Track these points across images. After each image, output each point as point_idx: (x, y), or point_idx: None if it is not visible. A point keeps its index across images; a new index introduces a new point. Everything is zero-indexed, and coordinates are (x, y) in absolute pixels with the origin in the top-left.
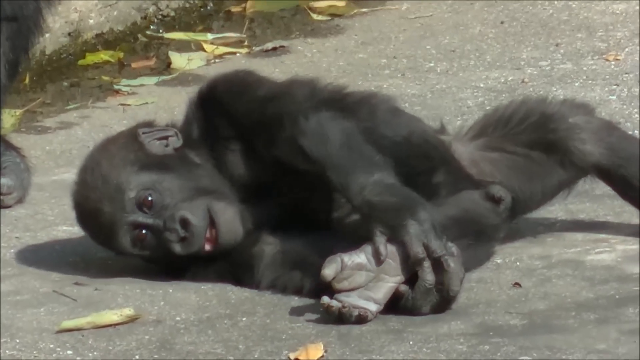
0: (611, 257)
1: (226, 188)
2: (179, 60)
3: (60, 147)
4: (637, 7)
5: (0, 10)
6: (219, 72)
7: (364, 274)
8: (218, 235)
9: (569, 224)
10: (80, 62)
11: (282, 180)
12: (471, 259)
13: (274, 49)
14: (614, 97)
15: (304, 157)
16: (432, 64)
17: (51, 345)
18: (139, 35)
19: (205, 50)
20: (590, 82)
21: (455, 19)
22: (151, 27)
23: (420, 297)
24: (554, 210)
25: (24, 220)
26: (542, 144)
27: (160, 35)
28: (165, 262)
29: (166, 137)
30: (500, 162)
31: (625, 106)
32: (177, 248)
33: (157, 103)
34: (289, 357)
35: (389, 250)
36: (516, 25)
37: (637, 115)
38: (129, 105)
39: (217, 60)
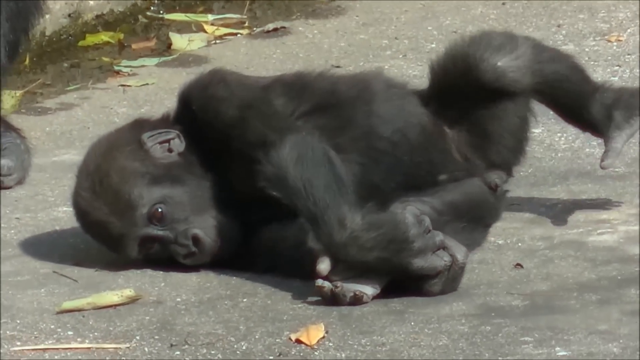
0: (613, 238)
1: (225, 195)
2: (179, 41)
3: (60, 128)
4: None
5: None
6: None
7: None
8: (223, 250)
9: (571, 205)
10: (81, 43)
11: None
12: (467, 241)
13: (275, 30)
14: (616, 79)
15: (275, 187)
16: (433, 45)
17: (52, 326)
18: (140, 16)
19: (205, 32)
20: (592, 63)
21: (457, 0)
22: (152, 8)
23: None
24: (556, 191)
25: (24, 201)
26: (483, 91)
27: (160, 16)
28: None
29: (169, 140)
30: (467, 138)
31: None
32: (183, 260)
33: (157, 84)
34: (289, 338)
35: None
36: (518, 6)
37: None
38: (129, 86)
39: (217, 41)
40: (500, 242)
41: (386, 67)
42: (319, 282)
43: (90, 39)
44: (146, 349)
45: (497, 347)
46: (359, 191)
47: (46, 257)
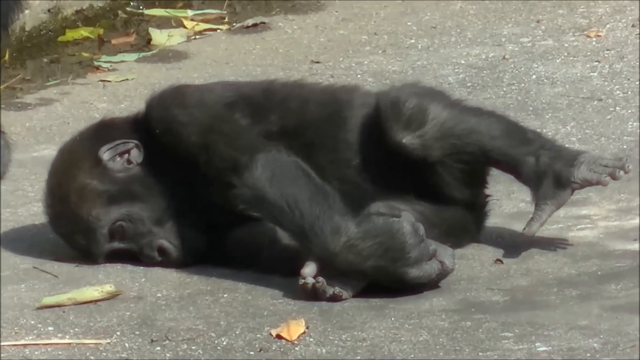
0: (593, 233)
1: (188, 199)
2: (159, 36)
3: (40, 124)
4: None
5: None
6: (155, 93)
7: None
8: (189, 257)
9: None
10: (60, 38)
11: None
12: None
13: (255, 25)
14: (595, 74)
15: (255, 208)
16: (413, 41)
17: (32, 322)
18: (119, 12)
19: (185, 27)
20: (571, 58)
21: None
22: (131, 3)
23: None
24: None
25: (4, 197)
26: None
27: (140, 11)
28: None
29: (128, 151)
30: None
31: (606, 83)
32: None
33: (137, 79)
34: (270, 334)
35: None
36: (497, 2)
37: (618, 92)
38: (109, 81)
39: (197, 37)
40: (480, 237)
41: (365, 62)
42: (301, 278)
43: (70, 35)
44: (127, 345)
45: (477, 343)
46: None
47: (26, 252)
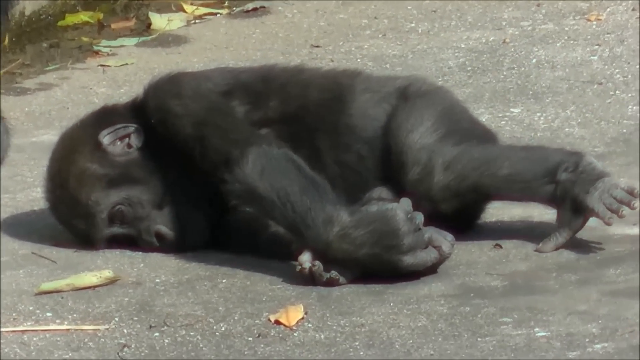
0: (592, 218)
1: (186, 184)
2: (158, 21)
3: (39, 109)
4: None
5: None
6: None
7: None
8: (189, 242)
9: None
10: (60, 23)
11: None
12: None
13: (255, 9)
14: (596, 58)
15: (248, 200)
16: (413, 25)
17: (30, 307)
18: None
19: (185, 11)
20: (571, 42)
21: None
22: None
23: None
24: None
25: (3, 182)
26: None
27: None
28: None
29: (128, 135)
30: None
31: (607, 66)
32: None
33: (136, 64)
34: (269, 319)
35: None
36: None
37: (619, 76)
38: (108, 66)
39: (197, 21)
40: (479, 222)
41: (365, 46)
42: (299, 261)
43: (70, 19)
44: (125, 330)
45: (476, 328)
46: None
47: (25, 238)
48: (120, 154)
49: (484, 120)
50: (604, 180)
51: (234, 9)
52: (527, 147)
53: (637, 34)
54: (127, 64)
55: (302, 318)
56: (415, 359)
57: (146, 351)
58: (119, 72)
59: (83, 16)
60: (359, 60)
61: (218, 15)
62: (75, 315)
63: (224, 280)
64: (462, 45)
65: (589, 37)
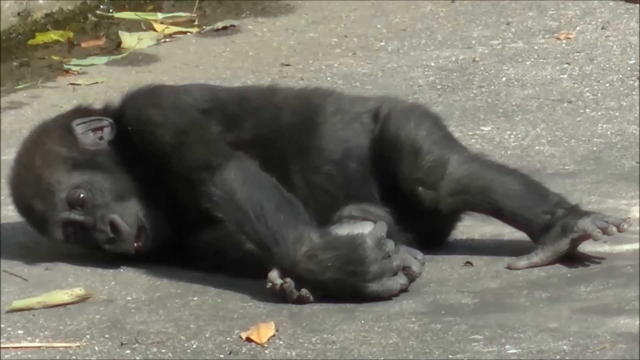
0: None
1: (153, 189)
2: (129, 39)
3: (10, 127)
4: None
5: None
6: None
7: None
8: (145, 240)
9: None
10: (30, 41)
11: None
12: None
13: (225, 28)
14: (565, 76)
15: (220, 212)
16: (383, 43)
17: (2, 325)
18: (89, 15)
19: (155, 30)
20: (541, 60)
21: None
22: (101, 6)
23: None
24: None
25: None
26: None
27: (110, 14)
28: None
29: (101, 128)
30: None
31: (576, 85)
32: (107, 246)
33: (107, 82)
34: (240, 336)
35: None
36: (467, 4)
37: (588, 94)
38: (79, 84)
39: (167, 40)
40: (450, 240)
41: (335, 65)
42: (271, 277)
43: (40, 38)
44: (96, 348)
45: (447, 345)
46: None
47: None
48: (91, 143)
49: None
50: (598, 213)
51: (204, 27)
52: (529, 182)
53: (607, 52)
54: (97, 82)
55: (274, 335)
56: None
57: None
58: (90, 90)
59: (53, 35)
60: (329, 78)
61: (188, 34)
62: (46, 332)
63: (195, 298)
64: (432, 64)
65: (558, 55)
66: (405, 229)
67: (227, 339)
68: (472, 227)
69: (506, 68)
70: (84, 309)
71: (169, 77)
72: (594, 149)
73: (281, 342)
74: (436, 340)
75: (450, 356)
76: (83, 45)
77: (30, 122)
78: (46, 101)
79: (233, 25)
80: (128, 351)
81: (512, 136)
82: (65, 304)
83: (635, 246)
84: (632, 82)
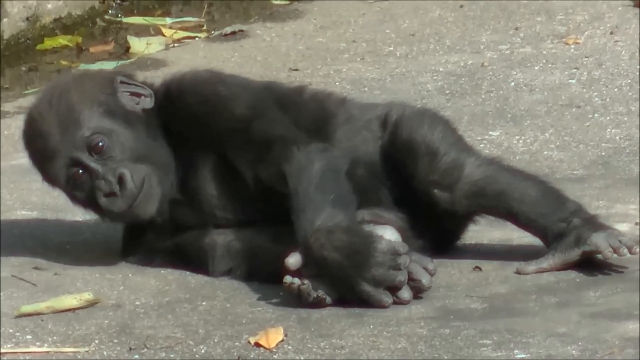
0: None
1: (170, 167)
2: (137, 44)
3: (18, 132)
4: None
5: None
6: (186, 71)
7: None
8: (135, 205)
9: None
10: (39, 46)
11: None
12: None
13: (233, 33)
14: (574, 81)
15: (283, 181)
16: (391, 48)
17: (10, 330)
18: (98, 20)
19: (164, 35)
20: (550, 65)
21: (415, 3)
22: (109, 11)
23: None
24: None
25: None
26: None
27: (118, 19)
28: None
29: (140, 95)
30: None
31: (585, 90)
32: (102, 200)
33: None
34: (248, 341)
35: None
36: (475, 9)
37: (597, 99)
38: None
39: (175, 45)
40: (459, 245)
41: (344, 70)
42: (288, 279)
43: (49, 43)
44: (105, 353)
45: (456, 350)
46: None
47: (5, 261)
48: (126, 103)
49: None
50: (613, 229)
51: (213, 32)
52: (547, 188)
53: (615, 57)
54: None
55: (282, 340)
56: None
57: None
58: None
59: (62, 40)
60: (337, 83)
61: (196, 39)
62: (55, 337)
63: (203, 303)
64: (441, 69)
65: (567, 60)
66: (416, 234)
67: (236, 343)
68: (481, 232)
69: (515, 73)
70: (93, 313)
71: None
72: (603, 153)
73: (290, 347)
74: (445, 345)
75: None
76: (91, 50)
77: None
78: None
79: (241, 30)
80: (137, 356)
81: (521, 141)
82: (74, 309)
83: None
84: None
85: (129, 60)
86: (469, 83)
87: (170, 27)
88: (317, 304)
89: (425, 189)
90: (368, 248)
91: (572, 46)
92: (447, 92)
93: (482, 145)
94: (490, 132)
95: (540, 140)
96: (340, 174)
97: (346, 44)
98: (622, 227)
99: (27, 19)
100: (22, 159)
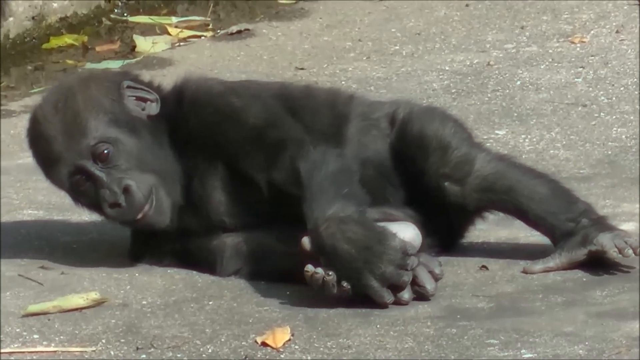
0: None
1: (176, 175)
2: (143, 43)
3: (24, 131)
4: None
5: None
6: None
7: None
8: (148, 216)
9: None
10: (45, 45)
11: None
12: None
13: (239, 32)
14: (580, 80)
15: (297, 182)
16: (397, 47)
17: (17, 330)
18: (103, 19)
19: (169, 34)
20: (555, 64)
21: (420, 2)
22: (115, 10)
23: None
24: None
25: None
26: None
27: (124, 18)
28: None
29: (146, 100)
30: None
31: (591, 88)
32: (108, 209)
33: None
34: (255, 341)
35: None
36: (481, 8)
37: (603, 98)
38: None
39: (181, 44)
40: (465, 244)
41: (350, 69)
42: (310, 267)
43: (54, 42)
44: (112, 352)
45: (462, 350)
46: None
47: (11, 260)
48: (132, 109)
49: None
50: (621, 230)
51: (218, 31)
52: (557, 187)
53: (621, 56)
54: None
55: (289, 340)
56: None
57: None
58: None
59: (68, 39)
60: (343, 82)
61: (202, 37)
62: (62, 337)
63: (210, 302)
64: (447, 68)
65: (573, 59)
66: (423, 232)
67: (243, 343)
68: (487, 230)
69: (521, 72)
70: (100, 313)
71: None
72: (609, 152)
73: (296, 347)
74: (452, 345)
75: None
76: (97, 49)
77: None
78: None
79: (247, 29)
80: (143, 356)
81: (527, 140)
82: (80, 309)
83: None
84: None
85: (135, 59)
86: (474, 82)
87: (176, 26)
88: (340, 294)
89: (435, 183)
90: (383, 244)
91: (578, 45)
92: (453, 91)
93: (488, 144)
94: (497, 131)
95: (546, 139)
96: (354, 175)
97: (352, 43)
98: (628, 225)
99: (33, 18)
100: (28, 158)
